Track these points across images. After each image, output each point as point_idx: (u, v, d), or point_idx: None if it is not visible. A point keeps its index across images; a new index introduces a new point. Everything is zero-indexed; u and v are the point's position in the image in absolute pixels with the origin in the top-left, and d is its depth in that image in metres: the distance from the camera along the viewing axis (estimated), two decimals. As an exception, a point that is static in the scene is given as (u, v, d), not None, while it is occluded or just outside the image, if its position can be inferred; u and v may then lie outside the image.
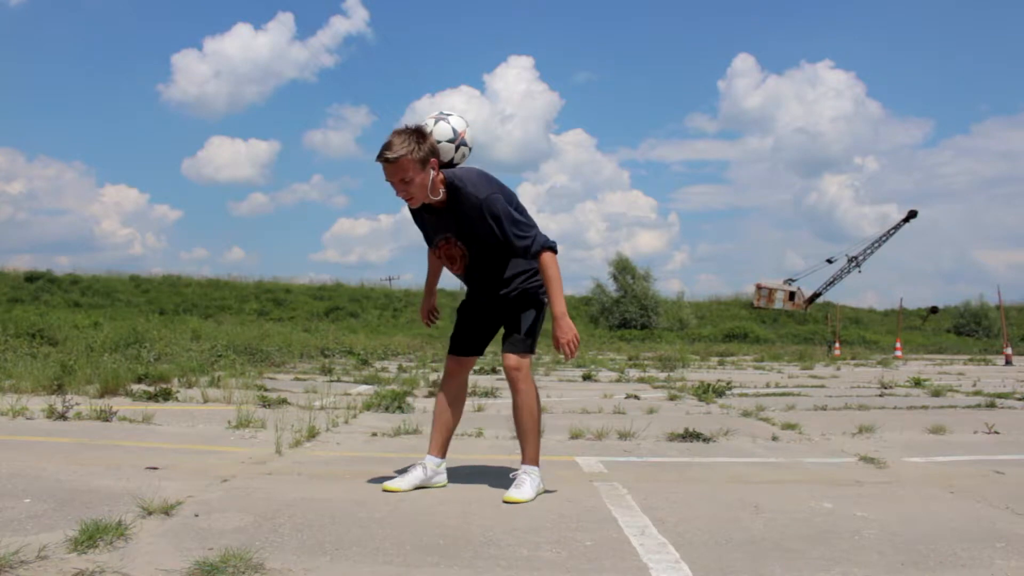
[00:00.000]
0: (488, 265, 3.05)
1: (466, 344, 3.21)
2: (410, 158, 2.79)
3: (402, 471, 3.14)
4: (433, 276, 3.39)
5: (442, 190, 2.93)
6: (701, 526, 2.58)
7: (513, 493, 2.88)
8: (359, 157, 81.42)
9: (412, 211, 3.08)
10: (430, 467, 3.09)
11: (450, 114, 3.02)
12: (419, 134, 2.85)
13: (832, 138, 79.91)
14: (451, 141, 2.97)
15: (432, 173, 2.87)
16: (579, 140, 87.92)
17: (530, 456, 3.06)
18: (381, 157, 2.80)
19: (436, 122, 2.98)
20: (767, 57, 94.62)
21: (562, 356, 2.94)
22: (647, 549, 2.30)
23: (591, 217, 79.01)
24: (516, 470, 3.05)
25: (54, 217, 73.54)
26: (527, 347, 3.06)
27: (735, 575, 2.10)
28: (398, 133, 2.83)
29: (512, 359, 3.04)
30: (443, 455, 3.16)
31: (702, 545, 2.36)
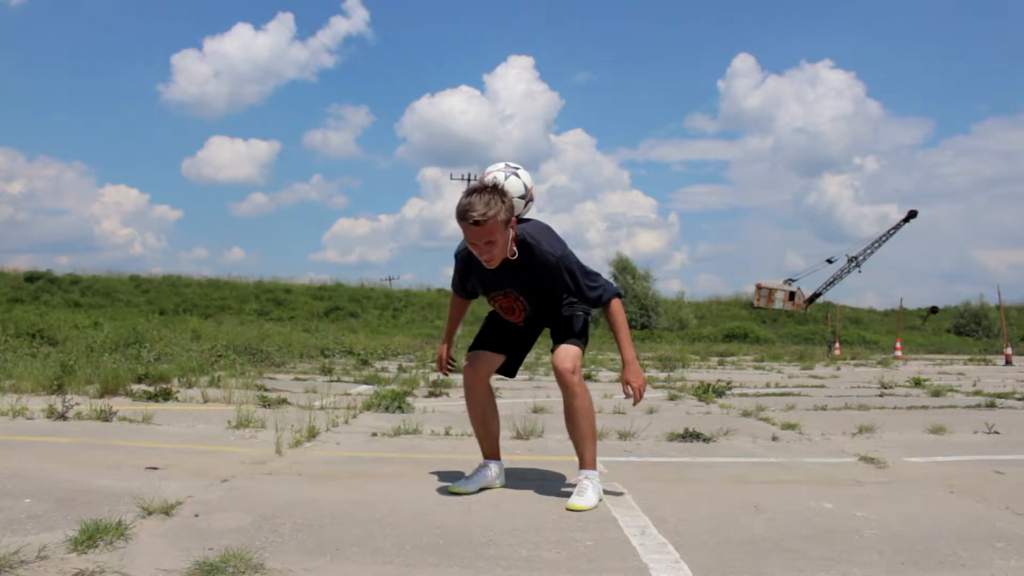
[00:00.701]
0: (546, 311, 3.08)
1: (495, 342, 3.13)
2: (496, 220, 2.73)
3: (468, 476, 3.12)
4: (454, 323, 3.36)
5: (515, 248, 2.89)
6: (701, 526, 2.58)
7: (576, 501, 2.81)
8: (359, 157, 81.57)
9: (463, 259, 3.05)
10: (495, 472, 3.14)
11: (518, 167, 3.02)
12: (500, 193, 2.79)
13: (832, 138, 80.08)
14: (522, 197, 2.95)
15: (511, 233, 2.84)
16: (579, 140, 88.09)
17: (589, 461, 2.98)
18: (468, 220, 2.71)
19: (507, 177, 2.95)
20: (767, 57, 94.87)
21: (631, 401, 2.94)
22: (647, 549, 2.30)
23: (591, 217, 79.08)
24: (577, 476, 2.98)
25: (54, 217, 73.71)
26: (581, 347, 3.03)
27: (735, 575, 2.10)
28: (480, 192, 2.76)
29: (567, 362, 2.96)
30: (498, 456, 3.20)
31: (702, 545, 2.36)
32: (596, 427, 3.05)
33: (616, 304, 2.97)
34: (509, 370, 3.24)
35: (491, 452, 3.18)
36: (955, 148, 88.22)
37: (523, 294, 2.99)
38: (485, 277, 2.99)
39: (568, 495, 2.93)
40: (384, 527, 2.49)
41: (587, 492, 2.85)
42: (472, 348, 3.15)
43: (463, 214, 2.72)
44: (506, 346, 3.15)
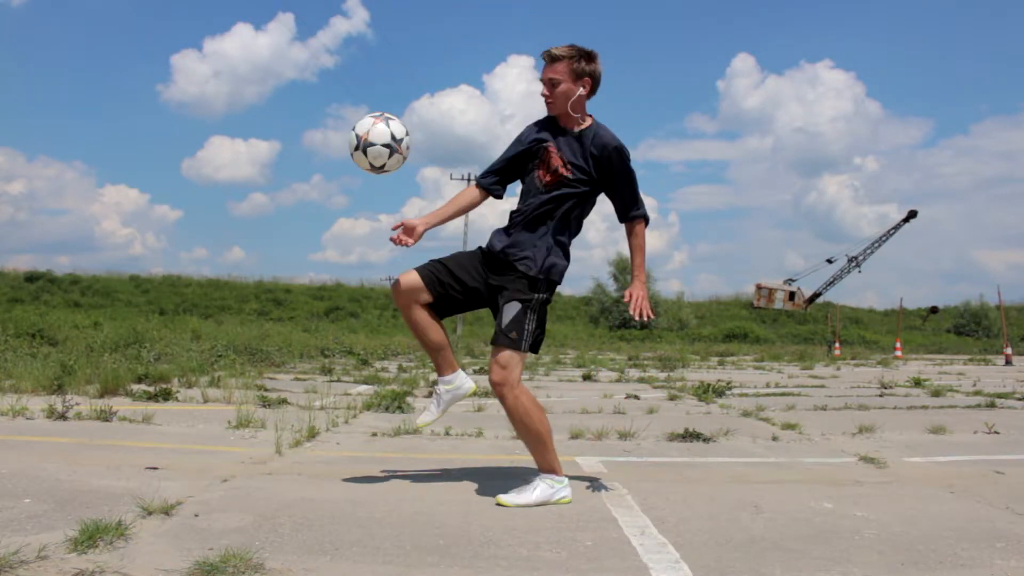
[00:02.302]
0: (555, 206, 2.93)
1: (432, 278, 2.92)
2: (569, 64, 2.85)
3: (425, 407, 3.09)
4: (450, 210, 3.03)
5: (587, 120, 2.96)
6: (701, 526, 2.58)
7: (507, 496, 2.81)
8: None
9: (536, 125, 3.03)
10: (443, 389, 3.04)
11: (392, 117, 2.95)
12: (588, 54, 2.88)
13: (832, 138, 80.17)
14: (387, 146, 2.89)
15: (580, 91, 2.90)
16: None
17: (540, 464, 2.92)
18: (547, 52, 2.86)
19: (375, 124, 2.91)
20: (767, 57, 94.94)
21: (635, 313, 2.97)
22: (647, 549, 2.30)
23: (591, 217, 78.40)
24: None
25: (54, 217, 73.74)
26: (510, 347, 2.85)
27: (735, 575, 2.10)
28: (571, 45, 2.88)
29: (493, 374, 2.86)
30: (454, 369, 3.06)
31: (702, 545, 2.36)
32: (544, 428, 2.89)
33: (644, 225, 3.08)
34: (436, 310, 3.02)
35: (449, 365, 3.05)
36: (955, 148, 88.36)
37: (571, 164, 2.93)
38: (549, 130, 2.99)
39: (568, 495, 2.92)
40: (384, 527, 2.49)
41: (526, 491, 2.82)
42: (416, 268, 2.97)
43: (547, 50, 2.87)
44: (440, 289, 2.94)
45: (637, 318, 3.01)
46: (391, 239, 2.94)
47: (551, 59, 2.86)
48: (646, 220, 3.08)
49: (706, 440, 4.45)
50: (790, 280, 45.74)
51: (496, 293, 2.94)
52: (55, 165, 79.97)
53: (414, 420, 4.82)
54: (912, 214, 45.78)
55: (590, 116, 2.99)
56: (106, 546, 2.16)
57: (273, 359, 10.89)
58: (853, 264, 45.89)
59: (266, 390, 6.53)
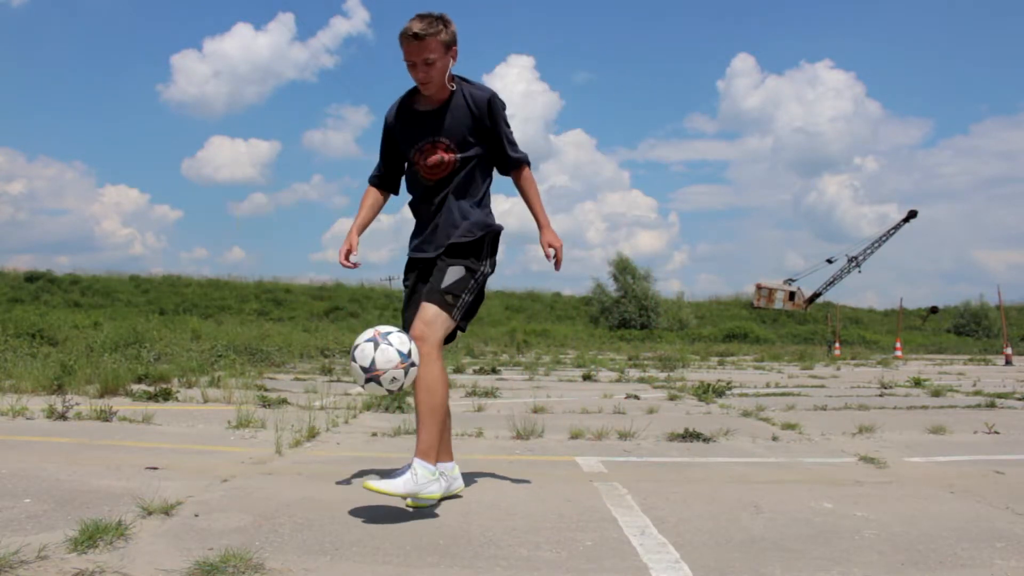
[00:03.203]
0: (462, 186, 2.87)
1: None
2: (437, 39, 2.72)
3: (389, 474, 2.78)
4: (367, 216, 3.02)
5: (452, 84, 2.84)
6: (701, 526, 2.58)
7: (377, 482, 2.54)
8: (359, 157, 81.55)
9: (393, 112, 2.93)
10: (449, 473, 2.89)
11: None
12: (443, 19, 2.75)
13: (832, 138, 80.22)
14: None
15: (451, 62, 2.80)
16: (579, 140, 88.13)
17: (421, 446, 2.65)
18: (407, 33, 2.69)
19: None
20: (767, 57, 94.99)
21: (553, 261, 2.89)
22: (647, 549, 2.30)
23: (591, 217, 79.12)
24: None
25: (54, 217, 73.74)
26: (445, 308, 2.72)
27: (735, 575, 2.10)
28: (421, 16, 2.72)
29: (417, 326, 2.70)
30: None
31: (702, 545, 2.36)
32: (445, 406, 2.75)
33: (530, 171, 2.98)
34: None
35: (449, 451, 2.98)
36: (954, 148, 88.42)
37: (453, 140, 2.84)
38: (416, 123, 2.87)
39: (568, 495, 2.92)
40: (384, 527, 2.49)
41: (397, 477, 2.55)
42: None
43: (404, 31, 2.69)
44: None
45: (558, 269, 2.95)
46: (343, 264, 2.91)
47: (417, 38, 2.68)
48: (528, 163, 2.98)
49: (706, 440, 4.45)
50: (790, 280, 45.78)
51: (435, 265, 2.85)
52: (55, 165, 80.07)
53: (413, 421, 4.82)
54: (912, 214, 45.82)
55: (454, 77, 2.86)
56: (106, 546, 2.16)
57: (273, 359, 10.89)
58: (853, 264, 45.95)
59: (266, 390, 6.53)
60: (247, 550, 2.11)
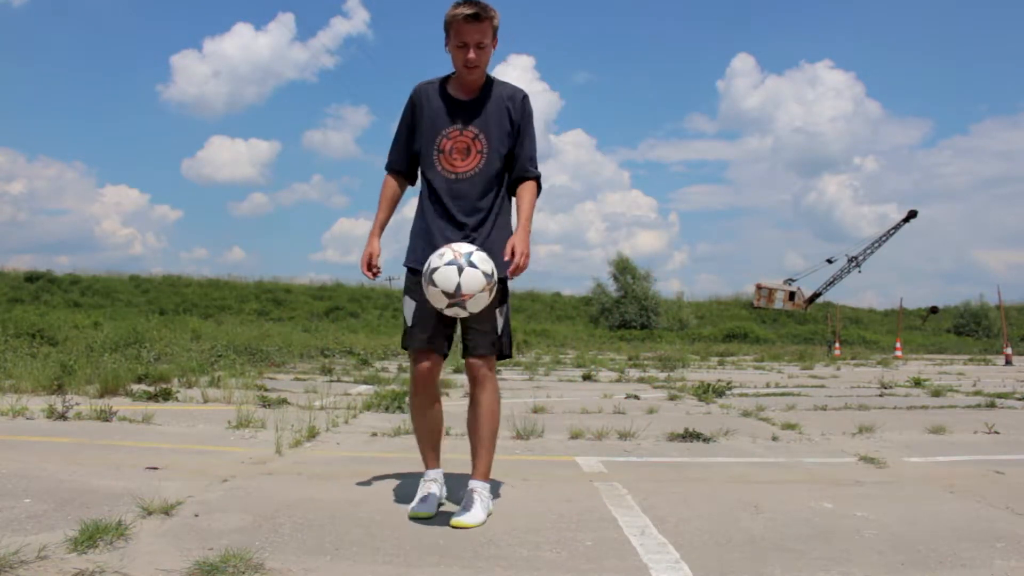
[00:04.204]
0: (484, 186, 2.73)
1: (437, 333, 2.73)
2: (492, 23, 2.65)
3: (423, 498, 2.73)
4: (390, 207, 2.89)
5: (489, 77, 2.78)
6: (701, 526, 2.58)
7: (463, 517, 2.55)
8: (359, 157, 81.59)
9: (418, 95, 2.79)
10: (441, 481, 2.84)
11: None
12: (492, 7, 2.67)
13: (831, 138, 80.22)
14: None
15: (492, 50, 2.72)
16: (579, 140, 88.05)
17: (483, 470, 2.74)
18: (463, 15, 2.58)
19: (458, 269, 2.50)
20: (767, 57, 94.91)
21: (511, 265, 2.60)
22: (647, 549, 2.30)
23: (591, 217, 79.09)
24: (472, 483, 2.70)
25: (54, 217, 73.65)
26: (496, 342, 2.73)
27: (735, 575, 2.10)
28: (470, 2, 2.61)
29: (478, 358, 2.71)
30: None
31: (702, 545, 2.36)
32: (498, 434, 2.81)
33: (536, 188, 2.81)
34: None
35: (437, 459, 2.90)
36: (954, 148, 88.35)
37: (483, 132, 2.73)
38: (448, 107, 2.74)
39: (568, 495, 2.92)
40: (384, 527, 2.49)
41: (475, 507, 2.60)
42: (416, 343, 2.74)
43: (457, 13, 2.59)
44: (443, 345, 2.79)
45: (511, 275, 2.65)
46: (366, 275, 2.86)
47: (476, 19, 2.60)
48: (540, 182, 2.85)
49: (706, 440, 4.45)
50: (790, 280, 45.76)
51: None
52: (55, 165, 79.96)
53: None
54: (912, 214, 45.80)
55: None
56: (106, 546, 2.16)
57: (273, 359, 10.89)
58: (853, 264, 45.92)
59: (266, 390, 6.53)
60: (247, 550, 2.11)
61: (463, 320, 2.68)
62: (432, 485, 2.77)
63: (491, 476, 2.79)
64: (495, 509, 2.74)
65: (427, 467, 2.86)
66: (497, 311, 2.72)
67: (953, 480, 3.41)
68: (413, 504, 2.69)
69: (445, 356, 2.81)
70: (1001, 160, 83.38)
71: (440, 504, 2.76)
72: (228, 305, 33.76)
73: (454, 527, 2.50)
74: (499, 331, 2.73)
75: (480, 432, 2.74)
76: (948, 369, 14.08)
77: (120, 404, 5.42)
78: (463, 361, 2.81)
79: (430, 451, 2.86)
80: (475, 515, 2.56)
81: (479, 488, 2.67)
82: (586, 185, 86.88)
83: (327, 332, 18.71)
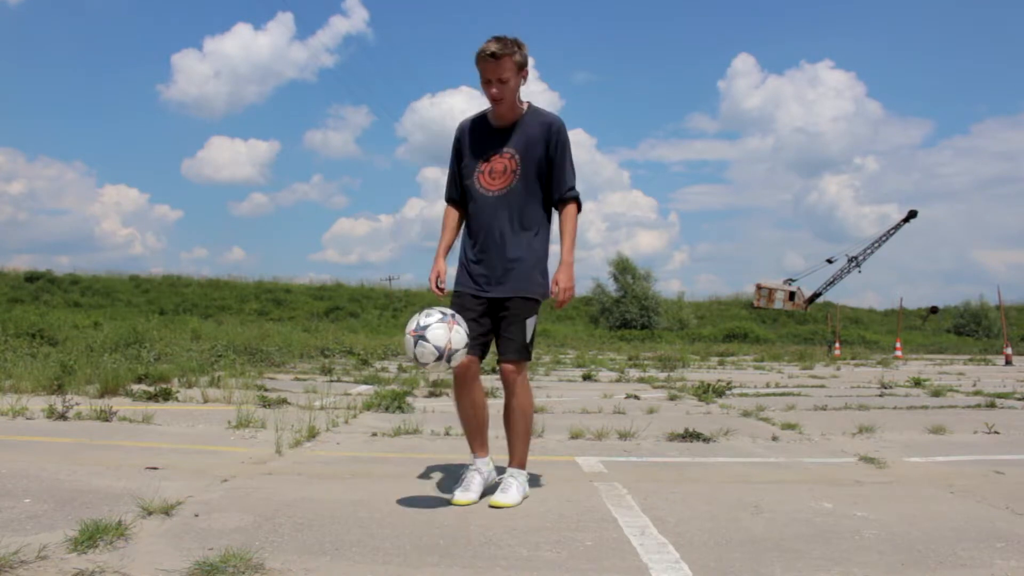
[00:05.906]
0: (521, 204, 2.98)
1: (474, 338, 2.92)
2: (511, 59, 2.87)
3: (464, 486, 2.94)
4: (450, 237, 3.16)
5: (523, 105, 3.02)
6: (701, 526, 2.58)
7: (500, 498, 2.84)
8: (359, 157, 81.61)
9: (462, 130, 3.10)
10: (486, 470, 3.03)
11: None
12: (517, 42, 2.91)
13: (832, 138, 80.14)
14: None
15: (522, 82, 2.97)
16: (579, 140, 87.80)
17: (519, 459, 3.02)
18: (485, 53, 2.84)
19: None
20: (767, 57, 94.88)
21: (556, 301, 3.00)
22: (647, 549, 2.30)
23: (591, 217, 78.93)
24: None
25: (54, 217, 73.67)
26: (526, 349, 3.01)
27: (735, 575, 2.10)
28: (497, 39, 2.88)
29: (511, 366, 2.98)
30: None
31: (702, 545, 2.36)
32: (533, 425, 3.16)
33: (576, 208, 3.05)
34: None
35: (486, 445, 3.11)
36: (955, 148, 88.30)
37: (519, 152, 2.99)
38: (486, 136, 3.04)
39: (568, 495, 2.92)
40: (384, 527, 2.49)
41: (511, 489, 2.88)
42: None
43: (481, 51, 2.86)
44: (478, 349, 3.01)
45: (558, 308, 3.09)
46: (434, 291, 3.09)
47: (495, 57, 2.85)
48: (579, 203, 3.07)
49: (706, 440, 4.45)
50: (790, 280, 45.75)
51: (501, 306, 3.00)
52: (55, 165, 79.92)
53: (414, 420, 4.82)
54: (912, 214, 45.79)
55: (524, 101, 3.05)
56: (106, 546, 2.16)
57: (273, 359, 10.89)
58: (853, 264, 45.91)
59: (266, 390, 6.53)
60: (247, 550, 2.11)
61: (497, 329, 3.00)
62: (474, 474, 2.99)
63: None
64: (495, 509, 2.75)
65: (473, 455, 3.06)
66: (527, 321, 2.99)
67: (953, 480, 3.42)
68: (455, 492, 2.91)
69: (482, 357, 3.06)
70: (1001, 160, 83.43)
71: (485, 489, 2.95)
72: (228, 305, 33.78)
73: (491, 506, 2.78)
74: (528, 339, 3.00)
75: (515, 427, 3.02)
76: (948, 369, 14.08)
77: (120, 404, 5.42)
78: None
79: (473, 440, 3.07)
80: (511, 496, 2.85)
81: (516, 474, 2.96)
82: (586, 185, 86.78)
83: (327, 332, 18.70)
